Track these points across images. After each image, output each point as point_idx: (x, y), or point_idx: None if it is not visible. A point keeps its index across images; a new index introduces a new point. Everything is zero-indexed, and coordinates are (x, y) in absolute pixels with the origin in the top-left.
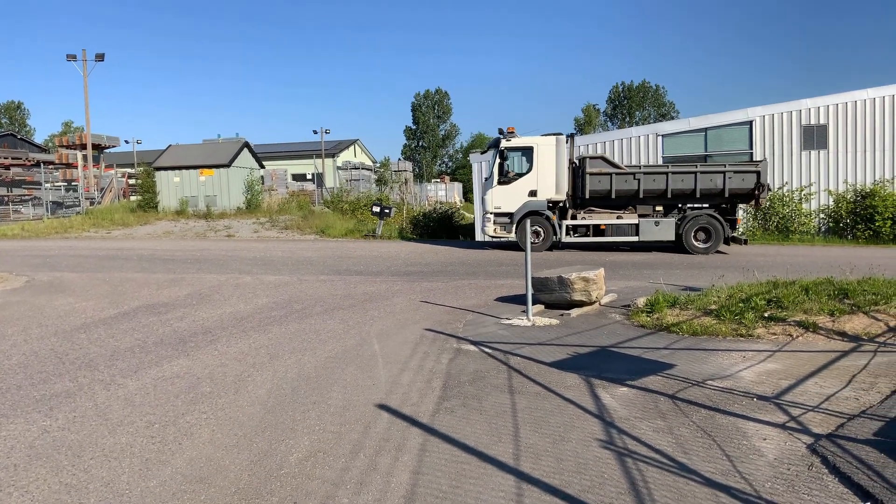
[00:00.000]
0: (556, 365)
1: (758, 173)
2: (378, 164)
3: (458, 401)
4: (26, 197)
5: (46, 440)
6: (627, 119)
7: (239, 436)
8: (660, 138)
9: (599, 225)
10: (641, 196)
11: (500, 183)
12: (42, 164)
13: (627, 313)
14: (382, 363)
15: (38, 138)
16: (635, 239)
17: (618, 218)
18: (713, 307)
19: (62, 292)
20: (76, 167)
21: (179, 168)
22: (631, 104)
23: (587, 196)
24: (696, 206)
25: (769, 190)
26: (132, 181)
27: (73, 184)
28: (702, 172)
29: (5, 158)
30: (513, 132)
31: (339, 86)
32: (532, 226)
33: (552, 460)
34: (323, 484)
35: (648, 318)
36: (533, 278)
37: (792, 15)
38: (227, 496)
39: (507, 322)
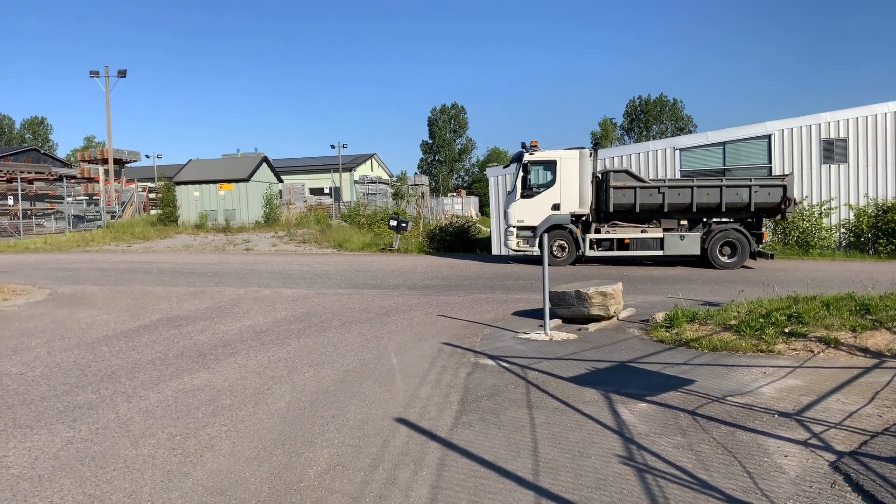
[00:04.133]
0: (575, 380)
1: (784, 187)
2: (395, 179)
3: (476, 415)
4: (49, 211)
5: (70, 451)
6: (644, 133)
7: (259, 448)
8: (678, 152)
9: (624, 239)
10: (666, 210)
11: (523, 196)
12: (64, 179)
13: (646, 328)
14: (400, 377)
15: (61, 153)
16: (660, 253)
17: (642, 232)
18: (733, 322)
19: (84, 305)
20: (98, 181)
21: (199, 182)
22: (648, 118)
23: (611, 210)
24: (721, 220)
25: (795, 204)
26: (152, 195)
27: (94, 198)
28: (727, 186)
29: (29, 173)
30: (536, 146)
31: (356, 101)
32: (556, 240)
33: (571, 476)
34: (343, 497)
35: (667, 334)
36: (550, 293)
37: (812, 29)
38: None
39: (525, 336)
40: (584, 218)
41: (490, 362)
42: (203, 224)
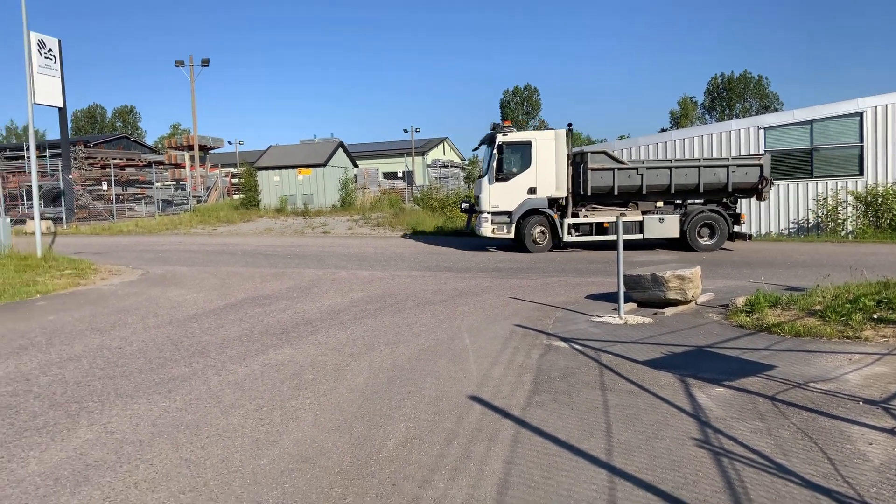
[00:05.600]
0: (650, 363)
1: (761, 167)
2: (467, 162)
3: (548, 395)
4: (139, 195)
5: (167, 419)
6: (727, 112)
7: (340, 420)
8: (762, 131)
9: (603, 223)
10: (644, 192)
11: (498, 180)
12: (153, 165)
13: (725, 313)
14: (473, 357)
15: (149, 140)
16: (639, 236)
17: (621, 215)
18: (818, 307)
19: (174, 285)
20: (184, 167)
21: (279, 168)
22: (731, 96)
23: (589, 193)
24: (697, 201)
25: (772, 184)
26: (235, 180)
27: (181, 183)
28: (705, 167)
29: (120, 159)
30: (510, 126)
31: (429, 86)
32: (536, 225)
33: (645, 457)
34: (420, 469)
35: (748, 319)
36: (625, 276)
37: None
38: (331, 476)
39: (599, 319)
40: (559, 202)
41: (563, 344)
42: (283, 208)
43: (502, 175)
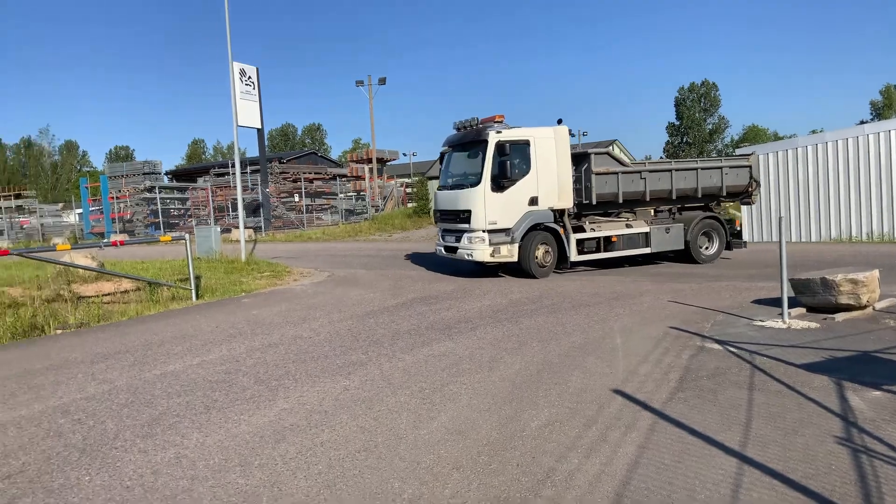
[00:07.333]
0: (806, 367)
1: (750, 168)
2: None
3: (692, 392)
4: (325, 206)
5: (346, 395)
6: None
7: (490, 403)
8: None
9: (611, 237)
10: (648, 199)
11: (500, 189)
12: (337, 178)
13: None
14: (622, 355)
15: (334, 154)
16: (647, 250)
17: (626, 227)
18: None
19: (355, 285)
20: (364, 179)
21: None
22: None
23: (594, 201)
24: (690, 207)
25: (759, 185)
26: (409, 190)
27: (361, 193)
28: (703, 168)
29: (309, 173)
30: (502, 121)
31: (597, 85)
32: (541, 244)
33: (779, 449)
34: (558, 447)
35: None
36: (793, 280)
37: None
38: (480, 446)
39: (760, 324)
40: (557, 214)
41: (716, 346)
42: None
43: (508, 181)
